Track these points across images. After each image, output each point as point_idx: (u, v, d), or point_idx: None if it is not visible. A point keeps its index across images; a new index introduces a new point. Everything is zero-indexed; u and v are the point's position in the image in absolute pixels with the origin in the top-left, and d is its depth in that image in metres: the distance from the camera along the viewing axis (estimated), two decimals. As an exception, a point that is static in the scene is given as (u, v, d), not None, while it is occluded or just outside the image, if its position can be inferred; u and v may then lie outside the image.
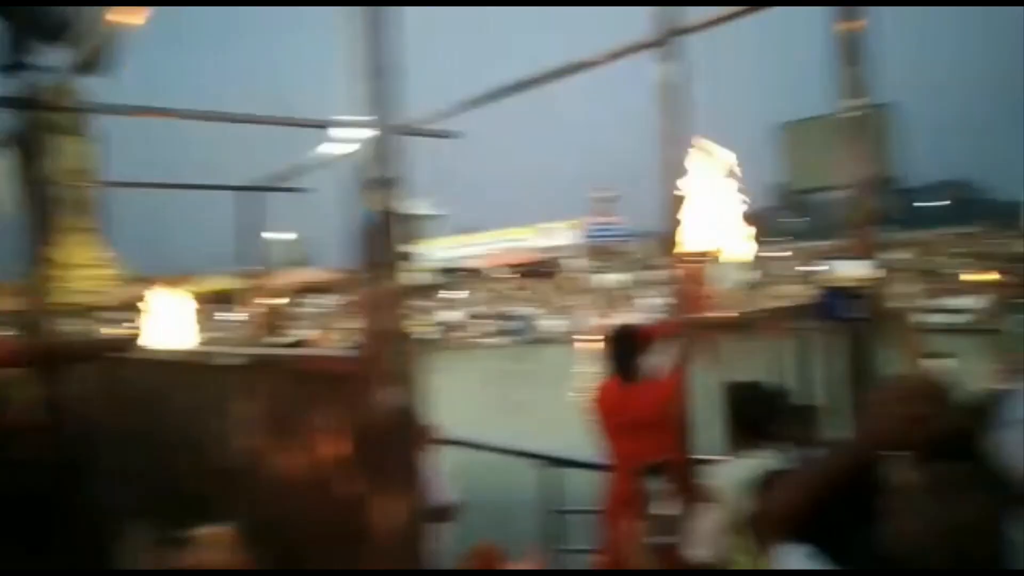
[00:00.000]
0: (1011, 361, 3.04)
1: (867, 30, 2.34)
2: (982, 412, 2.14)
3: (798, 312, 2.69)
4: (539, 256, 38.36)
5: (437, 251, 44.24)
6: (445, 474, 3.01)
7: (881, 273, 2.15)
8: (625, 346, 3.23)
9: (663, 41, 2.71)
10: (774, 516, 1.58)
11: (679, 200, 2.83)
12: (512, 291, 35.99)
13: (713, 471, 2.42)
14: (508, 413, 14.54)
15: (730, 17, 2.62)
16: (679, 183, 2.92)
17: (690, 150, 3.00)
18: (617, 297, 30.50)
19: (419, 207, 46.92)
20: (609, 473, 3.10)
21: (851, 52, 2.35)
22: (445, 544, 2.90)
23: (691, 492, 2.42)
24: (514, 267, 38.16)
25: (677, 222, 2.81)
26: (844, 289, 2.13)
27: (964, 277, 24.94)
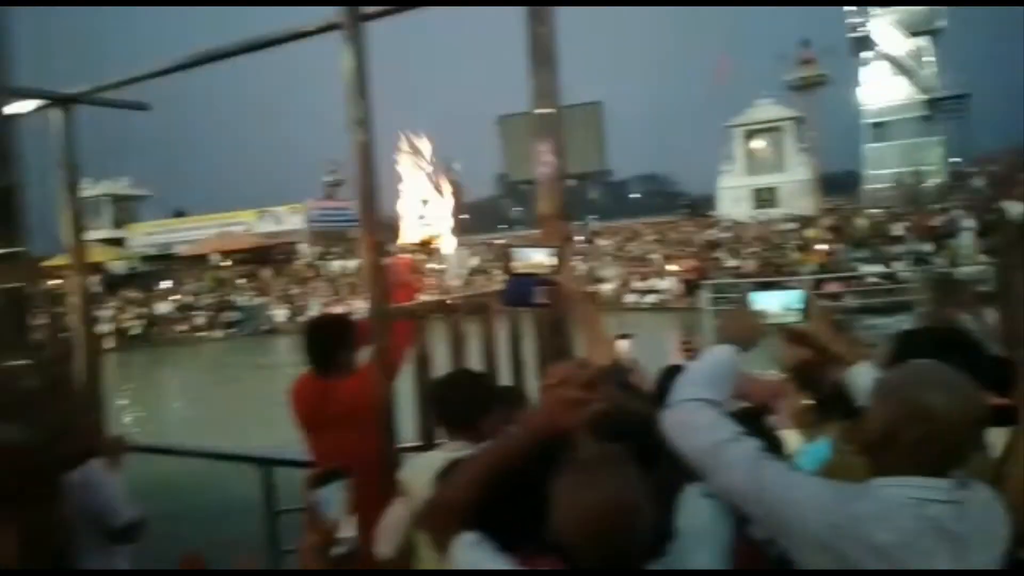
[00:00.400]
0: (690, 336, 3.36)
1: (555, 32, 2.31)
2: (659, 391, 2.25)
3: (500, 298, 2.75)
4: (263, 241, 36.36)
5: (143, 236, 40.30)
6: (125, 490, 2.77)
7: (565, 260, 2.22)
8: (322, 338, 3.04)
9: (348, 24, 2.49)
10: (445, 505, 1.63)
11: (378, 189, 2.75)
12: (234, 279, 33.76)
13: (406, 463, 2.45)
14: (229, 411, 13.87)
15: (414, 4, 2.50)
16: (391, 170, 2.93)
17: (399, 141, 2.99)
18: (344, 285, 29.83)
19: (116, 187, 42.51)
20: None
21: (541, 53, 2.30)
22: (140, 561, 2.82)
23: (382, 489, 2.41)
24: (235, 253, 35.82)
25: (371, 211, 2.62)
26: (529, 275, 2.19)
27: (664, 262, 27.78)
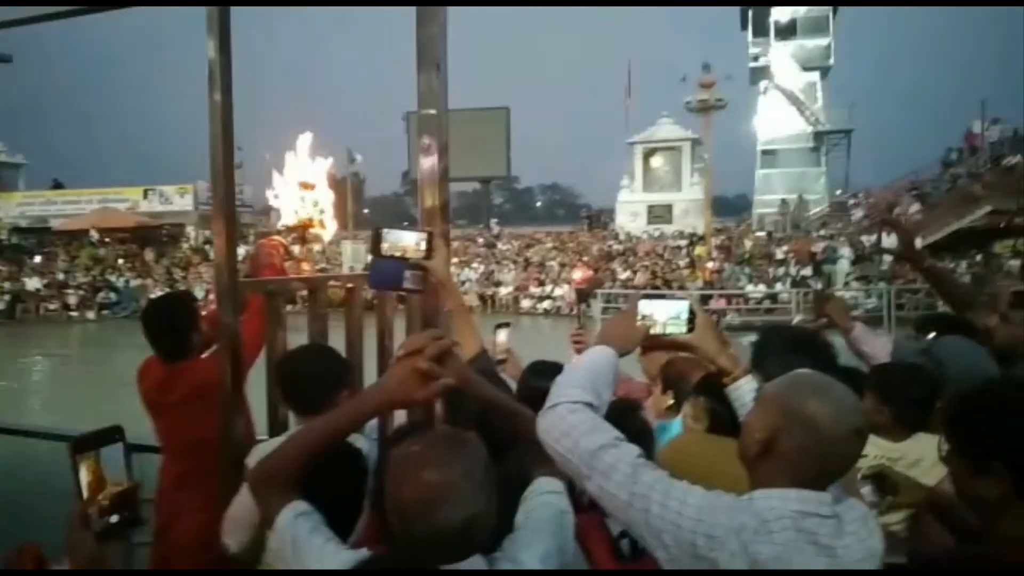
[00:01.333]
0: (582, 329, 3.45)
1: (444, 33, 2.29)
2: (523, 385, 2.27)
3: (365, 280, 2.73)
4: (147, 221, 34.61)
5: (15, 206, 37.64)
6: None
7: (438, 246, 2.20)
8: (162, 319, 2.89)
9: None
10: (269, 472, 1.59)
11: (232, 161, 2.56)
12: (113, 258, 31.98)
13: (254, 449, 2.35)
14: (101, 396, 13.30)
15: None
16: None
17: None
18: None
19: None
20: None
21: (428, 54, 2.27)
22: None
23: (228, 477, 2.35)
24: (116, 231, 33.94)
25: (227, 181, 2.50)
26: (399, 259, 2.15)
27: (560, 270, 28.19)
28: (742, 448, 1.50)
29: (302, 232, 3.19)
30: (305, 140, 3.04)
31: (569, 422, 1.53)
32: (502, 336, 3.01)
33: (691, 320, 1.80)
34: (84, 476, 1.48)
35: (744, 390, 1.79)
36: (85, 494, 1.48)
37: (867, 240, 25.60)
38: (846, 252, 25.53)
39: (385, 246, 2.15)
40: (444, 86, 2.35)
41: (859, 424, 1.41)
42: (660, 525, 1.39)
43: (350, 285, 3.06)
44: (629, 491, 1.43)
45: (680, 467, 1.59)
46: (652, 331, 1.80)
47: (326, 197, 3.29)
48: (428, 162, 2.35)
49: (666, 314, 1.79)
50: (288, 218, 3.16)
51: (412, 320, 2.42)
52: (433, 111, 2.34)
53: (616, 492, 1.44)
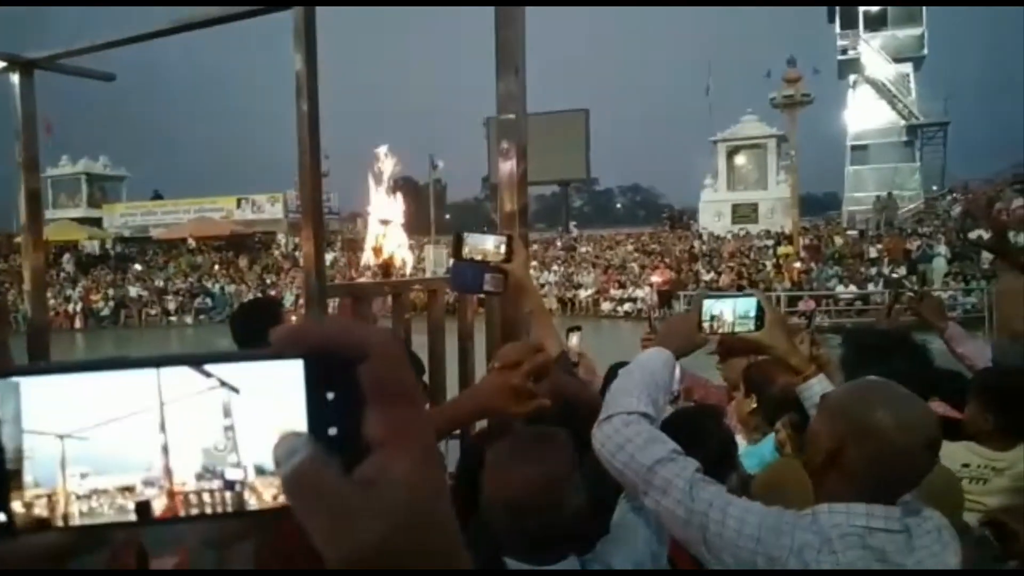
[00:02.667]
0: (655, 331, 3.41)
1: (522, 36, 2.30)
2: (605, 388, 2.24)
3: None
4: (241, 229, 36.01)
5: (119, 216, 39.76)
6: None
7: (517, 249, 2.20)
8: (249, 321, 2.99)
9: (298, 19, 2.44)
10: None
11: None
12: (209, 265, 33.42)
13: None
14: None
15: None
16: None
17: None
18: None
19: (94, 165, 41.92)
20: None
21: (507, 58, 2.30)
22: None
23: None
24: (212, 239, 35.45)
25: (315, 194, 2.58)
26: (479, 262, 2.16)
27: (641, 272, 27.92)
28: (807, 458, 1.44)
29: (385, 267, 3.26)
30: (386, 166, 3.08)
31: (624, 435, 1.46)
32: (574, 340, 3.01)
33: (760, 317, 1.71)
34: None
35: (815, 390, 1.71)
36: None
37: (971, 236, 24.34)
38: (943, 250, 24.35)
39: (466, 250, 2.18)
40: (523, 90, 2.36)
41: (931, 436, 1.33)
42: (719, 544, 1.33)
43: (432, 288, 3.11)
44: (686, 508, 1.37)
45: (775, 496, 1.51)
46: (720, 331, 1.71)
47: (402, 236, 3.35)
48: (507, 166, 2.37)
49: (734, 313, 1.71)
50: (369, 257, 3.25)
51: (492, 322, 2.44)
52: (512, 115, 2.36)
53: (673, 508, 1.38)
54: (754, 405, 2.64)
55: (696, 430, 1.57)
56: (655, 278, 25.93)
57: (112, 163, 43.55)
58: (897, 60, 35.37)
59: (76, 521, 0.39)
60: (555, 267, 30.72)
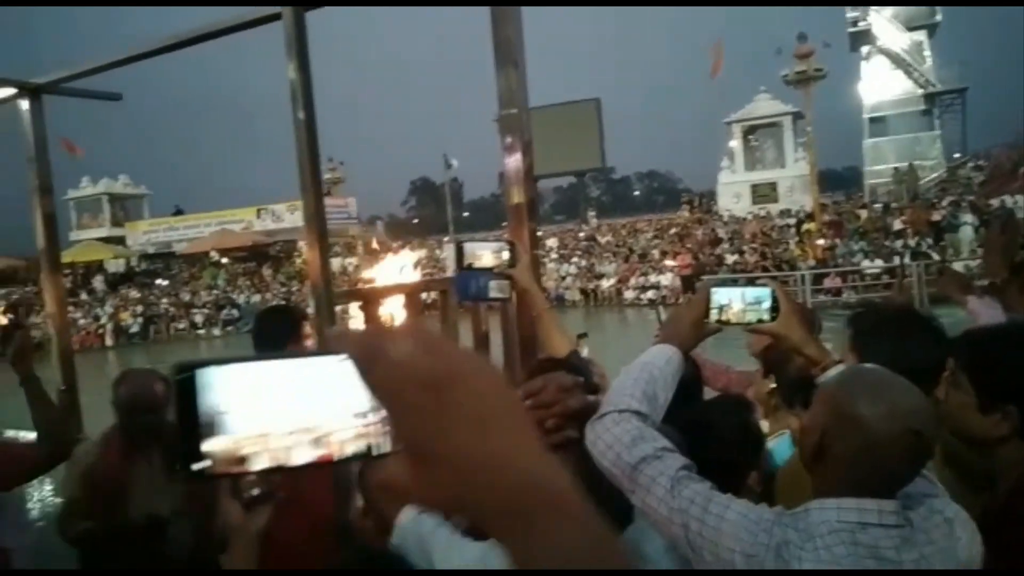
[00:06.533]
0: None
1: (520, 33, 2.31)
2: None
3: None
4: (262, 239, 36.33)
5: (142, 234, 40.29)
6: None
7: (520, 255, 2.20)
8: (271, 327, 3.02)
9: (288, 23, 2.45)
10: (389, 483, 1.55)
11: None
12: (233, 277, 33.76)
13: None
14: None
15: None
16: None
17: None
18: (344, 283, 29.83)
19: (115, 185, 42.49)
20: None
21: (506, 54, 2.30)
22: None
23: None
24: (234, 251, 35.80)
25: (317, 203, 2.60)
26: (483, 270, 2.16)
27: (664, 258, 27.79)
28: (799, 452, 1.41)
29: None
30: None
31: (613, 434, 1.43)
32: (585, 350, 2.99)
33: (775, 308, 1.66)
34: None
35: None
36: None
37: (992, 204, 23.94)
38: (969, 218, 23.95)
39: (468, 259, 2.18)
40: (523, 84, 2.37)
41: (916, 425, 1.25)
42: (699, 543, 1.30)
43: (443, 289, 3.11)
44: (668, 506, 1.34)
45: (801, 491, 1.44)
46: (730, 322, 1.66)
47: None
48: (512, 160, 2.38)
49: (744, 302, 1.66)
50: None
51: (508, 325, 2.45)
52: (514, 110, 2.36)
53: (657, 507, 1.35)
54: (772, 385, 2.61)
55: (722, 425, 1.54)
56: (670, 262, 25.80)
57: (133, 182, 44.14)
58: (910, 28, 34.84)
59: (258, 466, 0.51)
60: (575, 258, 30.66)
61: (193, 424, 0.50)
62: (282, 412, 0.51)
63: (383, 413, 0.50)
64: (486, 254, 2.18)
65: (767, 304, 1.67)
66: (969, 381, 1.55)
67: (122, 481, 2.49)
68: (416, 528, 1.55)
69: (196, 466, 0.50)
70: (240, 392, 0.51)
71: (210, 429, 0.50)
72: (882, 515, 1.25)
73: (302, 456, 0.52)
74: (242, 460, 0.51)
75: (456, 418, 0.46)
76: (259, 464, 0.51)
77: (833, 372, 1.66)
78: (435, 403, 0.46)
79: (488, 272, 2.18)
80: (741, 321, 1.67)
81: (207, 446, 0.50)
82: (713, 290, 1.68)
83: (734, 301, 1.66)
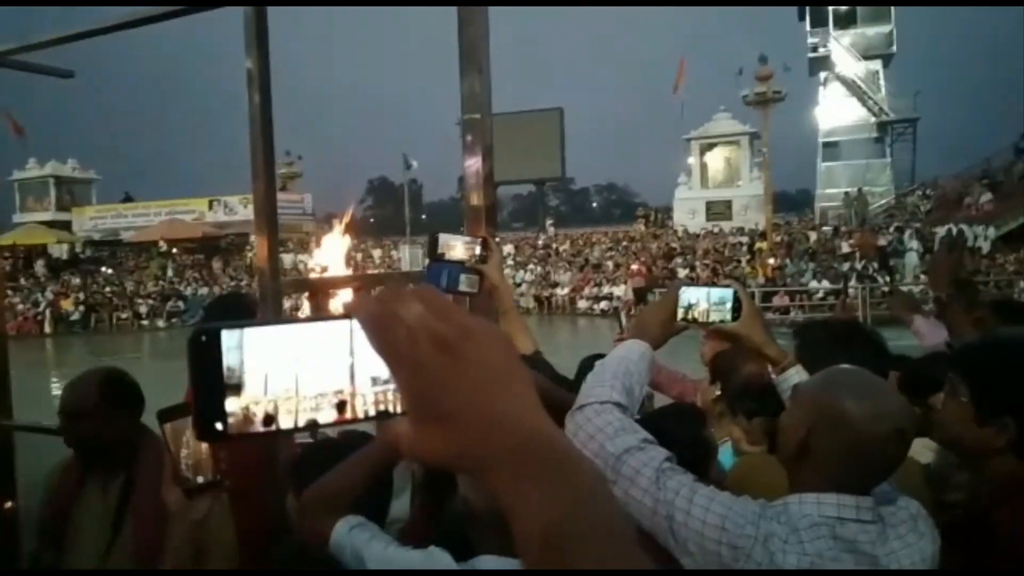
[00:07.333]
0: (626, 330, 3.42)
1: (486, 36, 2.28)
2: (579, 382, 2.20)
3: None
4: (213, 231, 35.64)
5: (88, 220, 39.18)
6: None
7: (492, 251, 2.24)
8: (224, 315, 2.96)
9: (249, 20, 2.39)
10: (323, 498, 1.60)
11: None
12: (181, 268, 33.04)
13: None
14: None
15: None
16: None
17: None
18: (296, 278, 29.41)
19: (62, 168, 41.30)
20: None
21: (471, 57, 2.27)
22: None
23: None
24: (184, 241, 35.05)
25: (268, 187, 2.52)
26: (454, 262, 2.18)
27: (618, 270, 28.04)
28: (778, 449, 1.43)
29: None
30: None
31: (595, 424, 1.43)
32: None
33: (736, 308, 1.69)
34: (171, 441, 1.74)
35: (792, 381, 1.68)
36: (173, 456, 1.74)
37: (938, 232, 24.73)
38: (915, 244, 24.70)
39: (441, 250, 2.19)
40: (487, 89, 2.34)
41: (900, 424, 1.31)
42: (684, 534, 1.30)
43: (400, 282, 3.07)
44: (653, 497, 1.34)
45: (753, 489, 1.47)
46: (695, 320, 1.69)
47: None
48: (473, 165, 2.35)
49: (709, 302, 1.69)
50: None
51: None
52: (477, 115, 2.33)
53: (640, 498, 1.35)
54: (718, 392, 2.62)
55: (675, 433, 1.54)
56: (633, 267, 26.09)
57: (81, 165, 42.92)
58: (867, 57, 35.82)
59: (277, 427, 0.52)
60: (531, 266, 30.76)
61: (217, 385, 0.51)
62: (302, 374, 0.53)
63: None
64: (459, 247, 2.19)
65: (729, 304, 1.70)
66: (968, 391, 1.56)
67: (66, 513, 2.26)
68: (350, 542, 1.52)
69: (219, 426, 0.51)
70: (263, 354, 0.52)
71: (233, 390, 0.51)
72: (859, 511, 1.29)
73: (322, 417, 0.53)
74: (263, 420, 0.52)
75: (465, 377, 0.48)
76: (278, 425, 0.52)
77: (792, 373, 1.70)
78: (445, 362, 0.48)
79: (459, 265, 2.18)
80: (706, 320, 1.70)
81: (229, 406, 0.51)
82: (683, 289, 1.71)
83: (700, 301, 1.69)
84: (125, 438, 2.03)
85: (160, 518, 1.90)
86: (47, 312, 28.04)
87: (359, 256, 31.14)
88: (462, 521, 1.50)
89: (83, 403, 2.09)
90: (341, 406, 0.53)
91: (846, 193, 32.74)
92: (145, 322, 28.81)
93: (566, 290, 28.34)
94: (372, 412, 0.54)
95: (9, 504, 2.80)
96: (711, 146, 36.15)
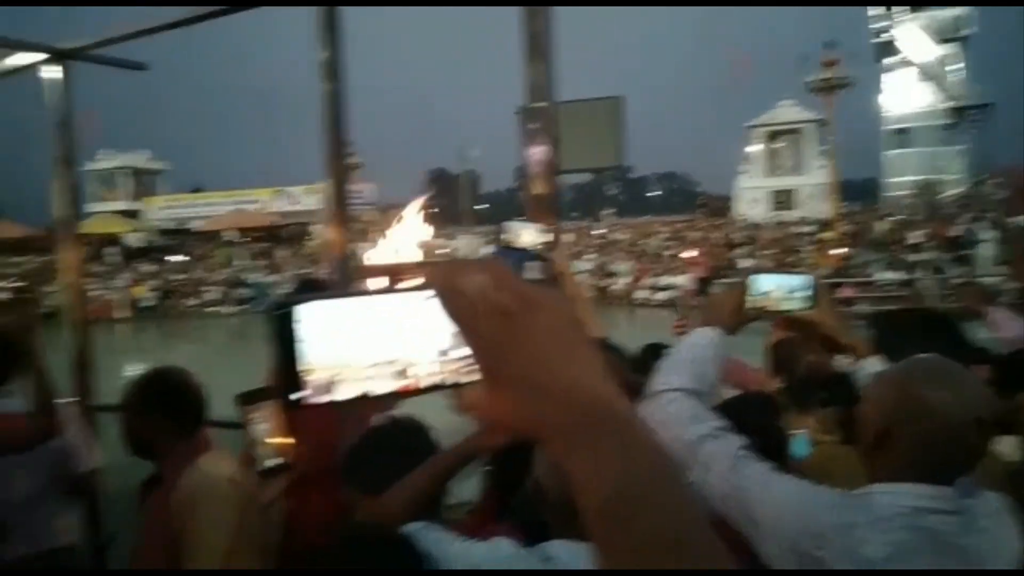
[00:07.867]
0: (686, 316, 3.41)
1: (550, 28, 2.31)
2: (641, 368, 2.20)
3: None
4: (278, 220, 36.46)
5: (159, 209, 40.50)
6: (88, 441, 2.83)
7: (557, 239, 2.27)
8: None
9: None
10: (398, 510, 1.57)
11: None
12: (247, 256, 33.91)
13: None
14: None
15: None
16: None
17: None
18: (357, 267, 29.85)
19: (136, 159, 42.72)
20: None
21: (535, 48, 2.31)
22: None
23: None
24: (250, 230, 35.94)
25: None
26: (520, 250, 2.21)
27: (679, 258, 27.69)
28: (858, 439, 1.41)
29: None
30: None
31: (668, 412, 1.45)
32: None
33: (813, 296, 1.66)
34: (252, 424, 1.87)
35: (871, 371, 1.65)
36: (251, 438, 1.86)
37: (1019, 220, 23.73)
38: (989, 235, 23.76)
39: (508, 237, 2.22)
40: (552, 78, 2.37)
41: (981, 413, 1.27)
42: (762, 522, 1.30)
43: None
44: (730, 483, 1.34)
45: (830, 478, 1.46)
46: (768, 308, 1.67)
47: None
48: (536, 154, 2.38)
49: (783, 290, 1.67)
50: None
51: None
52: (542, 104, 2.36)
53: (716, 484, 1.36)
54: (780, 385, 2.58)
55: (749, 421, 1.54)
56: (688, 260, 25.72)
57: (155, 156, 44.39)
58: (940, 40, 34.50)
59: (344, 396, 0.54)
60: (589, 255, 30.61)
61: (292, 357, 0.53)
62: (370, 345, 0.54)
63: (464, 347, 0.52)
64: (527, 235, 2.22)
65: (806, 293, 1.67)
66: None
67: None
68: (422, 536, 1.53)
69: (294, 396, 0.53)
70: (334, 326, 0.53)
71: (307, 362, 0.53)
72: (939, 501, 1.26)
73: (386, 386, 0.54)
74: (332, 389, 0.53)
75: (527, 344, 0.49)
76: (346, 394, 0.54)
77: (871, 362, 1.67)
78: (509, 331, 0.49)
79: (527, 252, 2.21)
80: (779, 309, 1.68)
81: (305, 377, 0.53)
82: (753, 277, 1.69)
83: (773, 289, 1.67)
84: (161, 437, 2.05)
85: (167, 519, 1.89)
86: (119, 298, 29.11)
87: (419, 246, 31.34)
88: (534, 505, 1.50)
89: (125, 399, 2.16)
90: (409, 377, 0.55)
91: (916, 181, 31.67)
92: (220, 308, 29.64)
93: (624, 280, 28.13)
94: (435, 383, 0.55)
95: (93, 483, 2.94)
96: (775, 134, 35.36)
